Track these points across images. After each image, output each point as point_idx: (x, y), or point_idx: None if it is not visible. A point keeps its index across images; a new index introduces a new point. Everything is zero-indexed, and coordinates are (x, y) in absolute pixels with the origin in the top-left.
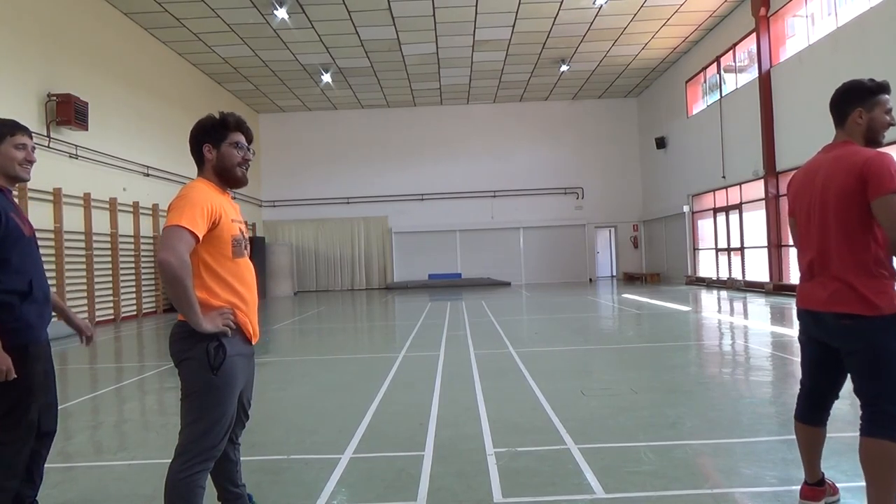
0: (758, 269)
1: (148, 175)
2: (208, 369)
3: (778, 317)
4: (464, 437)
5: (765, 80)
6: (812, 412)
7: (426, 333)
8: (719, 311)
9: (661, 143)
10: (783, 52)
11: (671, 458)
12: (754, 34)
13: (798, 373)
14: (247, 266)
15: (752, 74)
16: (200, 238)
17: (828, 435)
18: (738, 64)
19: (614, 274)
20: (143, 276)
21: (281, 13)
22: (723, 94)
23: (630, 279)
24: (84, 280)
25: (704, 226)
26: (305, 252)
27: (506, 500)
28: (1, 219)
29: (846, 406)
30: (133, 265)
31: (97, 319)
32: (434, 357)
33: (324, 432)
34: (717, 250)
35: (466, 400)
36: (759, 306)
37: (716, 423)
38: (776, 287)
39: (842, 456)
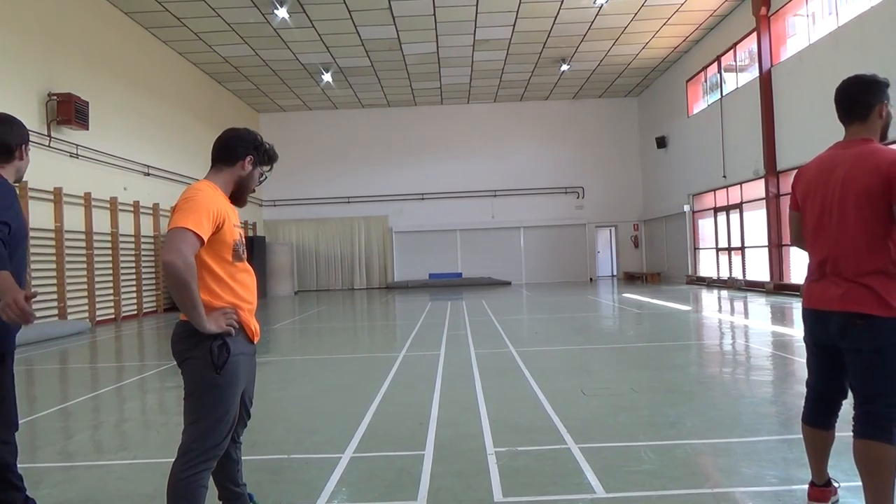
0: (758, 269)
1: (148, 174)
2: (212, 368)
3: (779, 316)
4: (464, 436)
5: (765, 80)
6: (821, 415)
7: (426, 333)
8: (720, 310)
9: (661, 142)
10: (784, 52)
11: (671, 457)
12: (755, 33)
13: (799, 372)
14: (246, 269)
15: (753, 74)
16: (205, 241)
17: None
18: (738, 63)
19: (615, 273)
20: (144, 276)
21: (281, 12)
22: (723, 94)
23: (630, 279)
24: (84, 280)
25: (705, 225)
26: (306, 251)
27: (506, 499)
28: (16, 213)
29: (846, 405)
30: (133, 265)
31: (98, 319)
32: (434, 357)
33: (324, 432)
34: (718, 250)
35: (467, 399)
36: (759, 306)
37: (716, 423)
38: (777, 287)
39: (842, 456)
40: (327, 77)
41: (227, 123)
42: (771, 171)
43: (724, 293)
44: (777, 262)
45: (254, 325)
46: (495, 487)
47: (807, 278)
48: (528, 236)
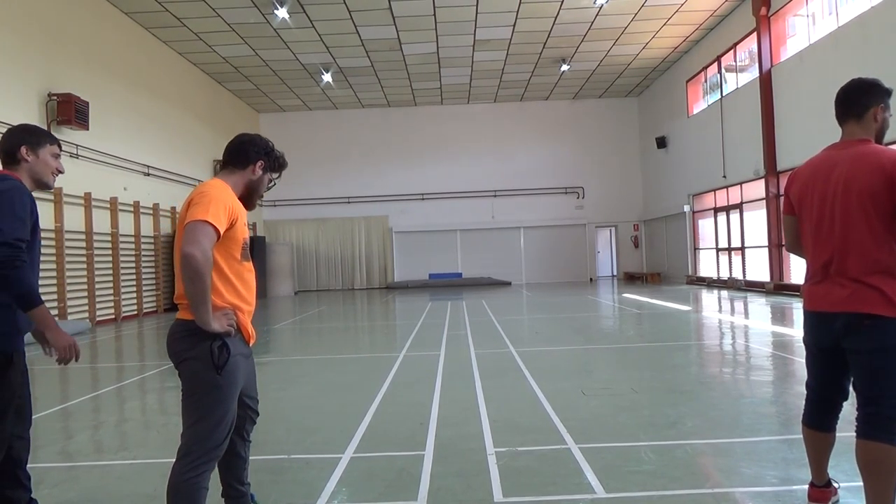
0: (758, 269)
1: (148, 175)
2: (212, 369)
3: (779, 317)
4: (464, 436)
5: (765, 80)
6: (821, 417)
7: (427, 333)
8: (720, 310)
9: (661, 142)
10: (784, 52)
11: (672, 457)
12: (755, 34)
13: (799, 372)
14: (250, 270)
15: (753, 74)
16: (221, 235)
17: None
18: (738, 63)
19: (615, 273)
20: (144, 276)
21: (281, 13)
22: (723, 94)
23: (630, 279)
24: (84, 280)
25: (705, 225)
26: (306, 252)
27: (506, 499)
28: (35, 220)
29: (846, 405)
30: (133, 265)
31: (98, 319)
32: (434, 357)
33: (324, 432)
34: (718, 250)
35: (467, 399)
36: (759, 306)
37: (716, 423)
38: (777, 287)
39: (842, 456)
40: (327, 77)
41: (227, 123)
42: (771, 171)
43: (724, 293)
44: (777, 262)
45: (251, 327)
46: (495, 487)
47: (807, 280)
48: (528, 236)
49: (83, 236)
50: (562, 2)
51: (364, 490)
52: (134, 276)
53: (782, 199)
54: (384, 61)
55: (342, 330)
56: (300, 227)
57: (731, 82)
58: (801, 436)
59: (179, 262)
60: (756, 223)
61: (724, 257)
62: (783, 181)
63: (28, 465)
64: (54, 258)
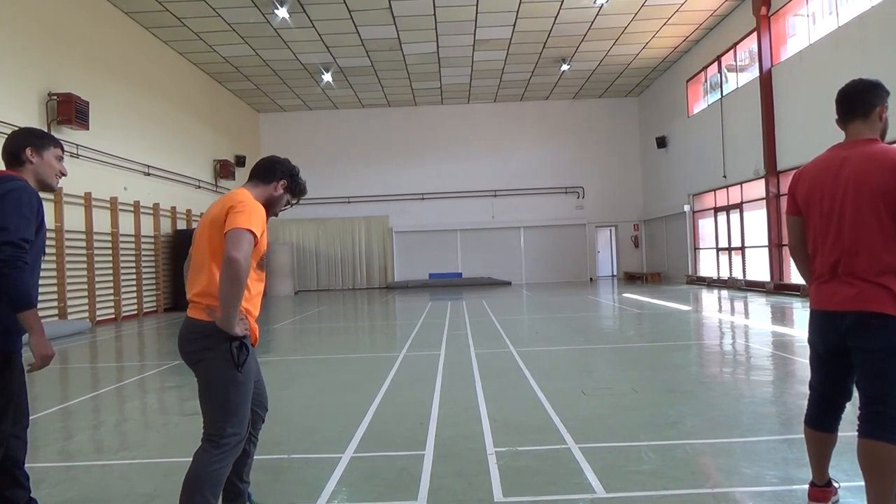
0: (759, 269)
1: (149, 174)
2: (233, 366)
3: (779, 316)
4: (464, 436)
5: (766, 80)
6: (824, 418)
7: (427, 333)
8: (720, 310)
9: (661, 142)
10: (784, 52)
11: (672, 457)
12: (755, 33)
13: (799, 372)
14: (262, 279)
15: (753, 74)
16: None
17: None
18: (738, 63)
19: (615, 273)
20: (144, 276)
21: (281, 12)
22: (724, 94)
23: (631, 279)
24: (85, 279)
25: (705, 225)
26: (306, 251)
27: (506, 499)
28: (41, 220)
29: (848, 405)
30: (134, 265)
31: (98, 319)
32: (434, 356)
33: (324, 431)
34: (718, 250)
35: (467, 399)
36: (759, 306)
37: (716, 423)
38: (777, 286)
39: (842, 455)
40: (327, 77)
41: (227, 123)
42: (771, 170)
43: (725, 293)
44: (777, 262)
45: (257, 330)
46: (495, 487)
47: (814, 280)
48: (528, 236)
49: (83, 236)
50: (562, 2)
51: (364, 490)
52: (134, 276)
53: (786, 199)
54: (384, 61)
55: (342, 330)
56: (300, 227)
57: (732, 82)
58: (802, 435)
59: (213, 268)
60: (756, 223)
61: (724, 257)
62: (783, 181)
63: (28, 465)
64: (54, 258)
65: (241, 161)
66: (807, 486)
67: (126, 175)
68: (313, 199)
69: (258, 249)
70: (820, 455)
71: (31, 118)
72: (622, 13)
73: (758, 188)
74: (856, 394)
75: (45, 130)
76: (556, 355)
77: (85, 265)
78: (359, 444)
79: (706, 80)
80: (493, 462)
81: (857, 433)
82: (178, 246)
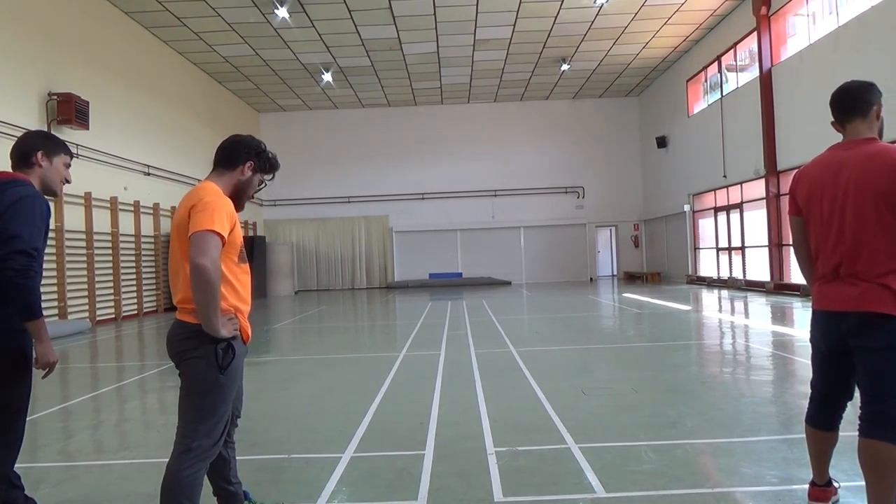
0: (759, 269)
1: (149, 174)
2: (216, 369)
3: (779, 316)
4: (464, 436)
5: (766, 79)
6: (825, 417)
7: (427, 333)
8: (720, 310)
9: (661, 142)
10: (784, 51)
11: (672, 457)
12: (755, 33)
13: (799, 372)
14: (246, 271)
15: (753, 73)
16: (225, 242)
17: None
18: (738, 63)
19: (615, 273)
20: (144, 276)
21: (282, 12)
22: (724, 93)
23: (631, 278)
24: (85, 279)
25: (705, 225)
26: (306, 251)
27: (506, 499)
28: (48, 222)
29: (848, 405)
30: (134, 265)
31: (98, 319)
32: (435, 356)
33: (324, 431)
34: (718, 249)
35: (467, 399)
36: (760, 306)
37: (717, 423)
38: (777, 286)
39: (842, 455)
40: (327, 77)
41: (227, 123)
42: (771, 170)
43: (725, 293)
44: (777, 261)
45: (249, 328)
46: (495, 487)
47: (816, 280)
48: (528, 236)
49: (83, 236)
50: (562, 2)
51: (364, 490)
52: (134, 276)
53: (788, 199)
54: (384, 61)
55: (342, 330)
56: (300, 227)
57: (732, 82)
58: (803, 435)
59: (188, 272)
60: (756, 223)
61: (724, 257)
62: (783, 181)
63: (28, 465)
64: (54, 258)
65: None
66: (807, 486)
67: (126, 175)
68: (313, 199)
69: (233, 244)
70: (821, 454)
71: (31, 118)
72: (622, 13)
73: (758, 188)
74: (857, 394)
75: (58, 137)
76: (556, 355)
77: (85, 265)
78: (359, 444)
79: (706, 80)
80: (493, 462)
81: (857, 433)
82: None
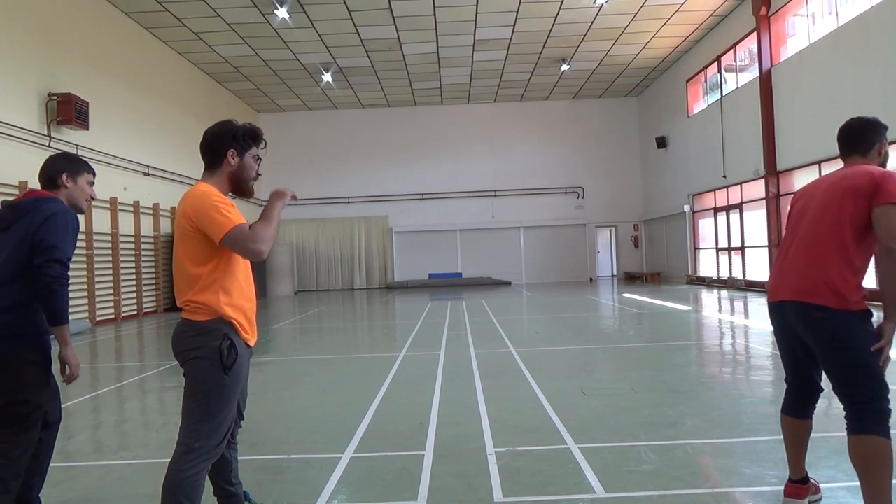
0: (758, 269)
1: (148, 174)
2: (220, 368)
3: None
4: (464, 436)
5: (765, 80)
6: (799, 405)
7: (427, 333)
8: (720, 310)
9: (661, 142)
10: (784, 52)
11: (672, 457)
12: (755, 33)
13: None
14: (249, 266)
15: (753, 74)
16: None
17: (828, 434)
18: (738, 63)
19: (615, 273)
20: (144, 276)
21: (281, 13)
22: (723, 94)
23: (630, 279)
24: (84, 280)
25: (705, 225)
26: (306, 251)
27: (506, 499)
28: (77, 235)
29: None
30: (133, 265)
31: (98, 319)
32: (434, 357)
33: (324, 432)
34: (718, 250)
35: (467, 399)
36: (759, 306)
37: (716, 423)
38: None
39: (841, 455)
40: (327, 77)
41: None
42: (771, 170)
43: (724, 293)
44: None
45: (254, 330)
46: (495, 487)
47: (773, 272)
48: (528, 236)
49: (83, 236)
50: (562, 2)
51: (364, 490)
52: (134, 276)
53: (787, 219)
54: (384, 61)
55: (342, 330)
56: (300, 227)
57: (731, 82)
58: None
59: (193, 274)
60: (756, 223)
61: (724, 257)
62: (783, 181)
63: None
64: None
65: None
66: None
67: (126, 175)
68: (313, 199)
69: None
70: (796, 444)
71: (31, 118)
72: (622, 13)
73: (758, 188)
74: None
75: (80, 157)
76: (556, 355)
77: (85, 265)
78: (359, 445)
79: (706, 80)
80: (492, 462)
81: (846, 431)
82: None
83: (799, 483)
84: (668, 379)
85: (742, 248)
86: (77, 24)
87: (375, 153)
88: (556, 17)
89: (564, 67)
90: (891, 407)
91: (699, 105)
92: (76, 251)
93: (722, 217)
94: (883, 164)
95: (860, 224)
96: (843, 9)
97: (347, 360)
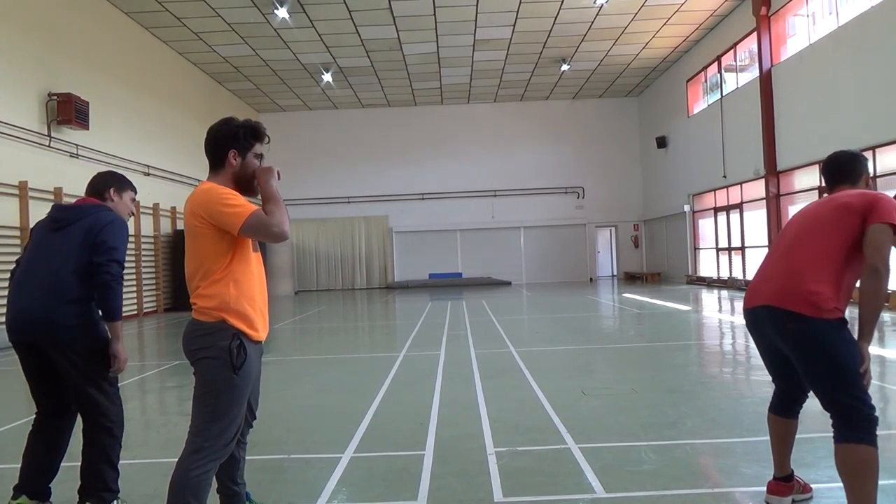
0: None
1: (148, 174)
2: (230, 368)
3: None
4: (464, 436)
5: (765, 80)
6: (786, 405)
7: (427, 333)
8: (720, 310)
9: (661, 142)
10: (784, 52)
11: (672, 457)
12: (755, 33)
13: None
14: (259, 259)
15: (753, 74)
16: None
17: (828, 434)
18: (738, 63)
19: (615, 273)
20: (144, 276)
21: (281, 12)
22: (723, 94)
23: (631, 279)
24: None
25: (705, 225)
26: (306, 251)
27: (506, 499)
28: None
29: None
30: (134, 265)
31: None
32: (434, 356)
33: (324, 431)
34: (718, 250)
35: (467, 399)
36: None
37: (716, 423)
38: None
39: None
40: (327, 77)
41: None
42: (771, 171)
43: (725, 293)
44: None
45: (265, 325)
46: (495, 487)
47: (754, 281)
48: (528, 236)
49: None
50: (562, 2)
51: (364, 490)
52: (134, 277)
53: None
54: (384, 61)
55: (342, 330)
56: (300, 227)
57: (731, 82)
58: (802, 435)
59: (271, 239)
60: (756, 223)
61: (724, 257)
62: (783, 181)
63: None
64: None
65: None
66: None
67: (126, 175)
68: (313, 200)
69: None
70: (781, 443)
71: (31, 118)
72: (622, 13)
73: (758, 188)
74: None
75: (125, 177)
76: (556, 355)
77: None
78: (359, 444)
79: (706, 80)
80: (492, 462)
81: (833, 439)
82: (177, 246)
83: (783, 480)
84: (668, 379)
85: (742, 249)
86: (77, 24)
87: (375, 153)
88: (556, 17)
89: (564, 67)
90: (876, 414)
91: (699, 105)
92: None
93: (722, 217)
94: None
95: (848, 242)
96: (843, 9)
97: (347, 360)
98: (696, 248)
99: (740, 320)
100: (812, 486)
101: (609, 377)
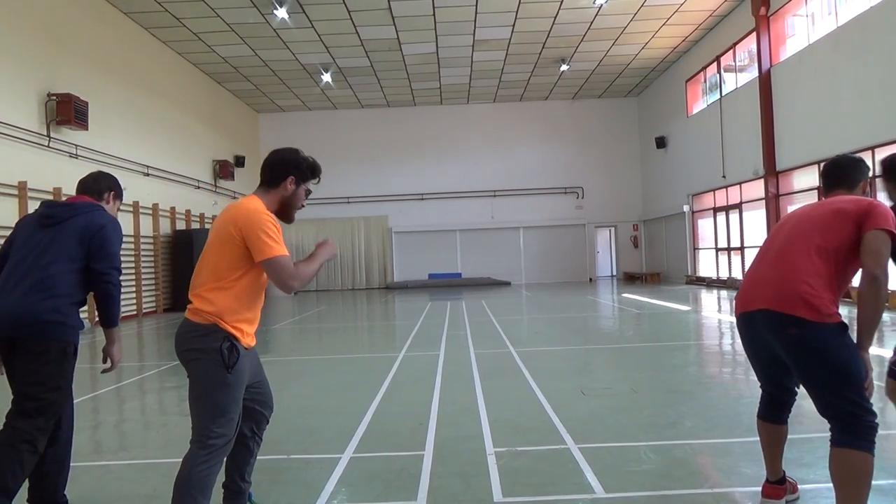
0: None
1: (148, 175)
2: (223, 368)
3: None
4: (464, 436)
5: (765, 80)
6: (775, 411)
7: (426, 333)
8: (719, 310)
9: (661, 142)
10: (783, 52)
11: (671, 457)
12: (754, 34)
13: None
14: (266, 279)
15: (753, 74)
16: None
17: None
18: (738, 63)
19: (614, 273)
20: (144, 276)
21: (281, 13)
22: (723, 94)
23: (630, 279)
24: None
25: (704, 225)
26: (305, 252)
27: (506, 499)
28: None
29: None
30: (133, 265)
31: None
32: (434, 357)
33: (324, 432)
34: (718, 250)
35: (466, 399)
36: None
37: (716, 423)
38: None
39: None
40: (327, 77)
41: (226, 123)
42: (770, 171)
43: (724, 293)
44: None
45: (252, 337)
46: (495, 487)
47: (743, 285)
48: (527, 236)
49: None
50: (561, 2)
51: (364, 490)
52: (133, 277)
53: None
54: (384, 61)
55: (342, 330)
56: (299, 227)
57: (731, 82)
58: (801, 436)
59: (285, 288)
60: (755, 223)
61: (723, 257)
62: (782, 181)
63: None
64: None
65: (240, 161)
66: (806, 487)
67: (125, 175)
68: (313, 200)
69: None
70: (773, 448)
71: (31, 118)
72: (622, 13)
73: (757, 188)
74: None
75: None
76: (556, 355)
77: None
78: (358, 444)
79: (705, 81)
80: (492, 462)
81: (830, 443)
82: (177, 246)
83: (776, 484)
84: (668, 379)
85: (741, 249)
86: (77, 24)
87: (375, 153)
88: (555, 18)
89: (564, 67)
90: (877, 421)
91: (699, 105)
92: None
93: (721, 217)
94: None
95: (843, 248)
96: (842, 9)
97: (347, 360)
98: (695, 249)
99: None
100: (812, 486)
101: (608, 377)
